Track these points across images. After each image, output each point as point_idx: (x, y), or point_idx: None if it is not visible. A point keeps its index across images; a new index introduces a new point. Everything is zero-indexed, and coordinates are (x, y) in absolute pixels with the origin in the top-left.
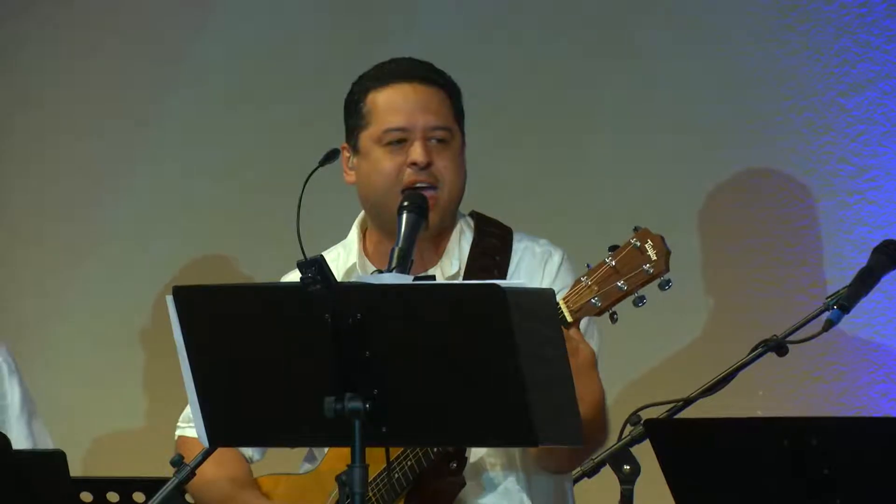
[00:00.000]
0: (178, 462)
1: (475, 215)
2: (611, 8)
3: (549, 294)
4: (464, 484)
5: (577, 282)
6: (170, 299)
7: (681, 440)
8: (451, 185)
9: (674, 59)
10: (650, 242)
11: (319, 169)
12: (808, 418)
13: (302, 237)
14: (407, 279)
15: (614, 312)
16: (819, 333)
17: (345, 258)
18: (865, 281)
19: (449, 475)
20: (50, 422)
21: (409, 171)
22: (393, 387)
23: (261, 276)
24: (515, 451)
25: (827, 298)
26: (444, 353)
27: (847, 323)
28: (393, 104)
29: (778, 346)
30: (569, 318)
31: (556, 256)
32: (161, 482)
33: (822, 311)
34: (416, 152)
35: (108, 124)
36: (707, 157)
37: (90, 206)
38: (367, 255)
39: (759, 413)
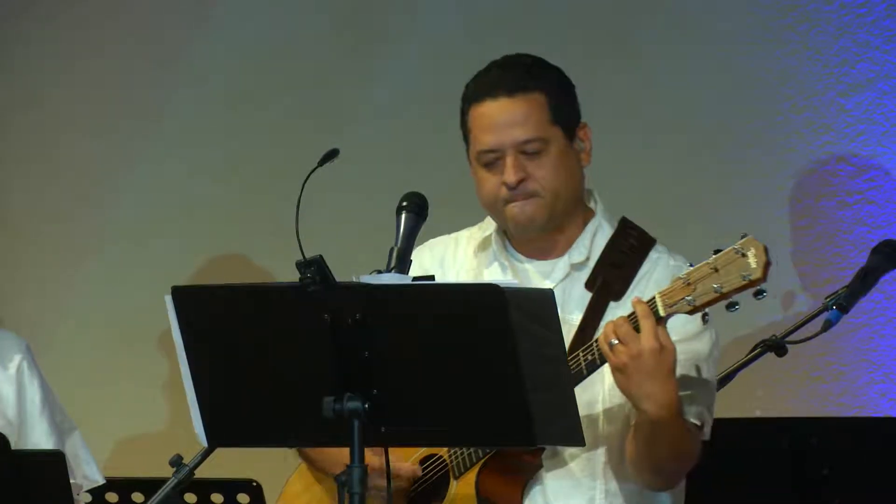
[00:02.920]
0: (177, 462)
1: (623, 220)
2: (611, 8)
3: (548, 294)
4: (540, 466)
5: (677, 279)
6: (169, 299)
7: None
8: (554, 189)
9: (674, 59)
10: (753, 251)
11: (319, 169)
12: (808, 418)
13: (301, 237)
14: (406, 279)
15: (706, 313)
16: (818, 333)
17: (478, 232)
18: (864, 281)
19: (528, 455)
20: None
21: (503, 189)
22: (393, 387)
23: (261, 277)
24: (597, 452)
25: (826, 298)
26: (444, 353)
27: (847, 323)
28: (482, 124)
29: (777, 346)
30: (661, 313)
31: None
32: (160, 482)
33: (821, 311)
34: (508, 174)
35: (108, 124)
36: (707, 157)
37: (90, 206)
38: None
39: (759, 413)
